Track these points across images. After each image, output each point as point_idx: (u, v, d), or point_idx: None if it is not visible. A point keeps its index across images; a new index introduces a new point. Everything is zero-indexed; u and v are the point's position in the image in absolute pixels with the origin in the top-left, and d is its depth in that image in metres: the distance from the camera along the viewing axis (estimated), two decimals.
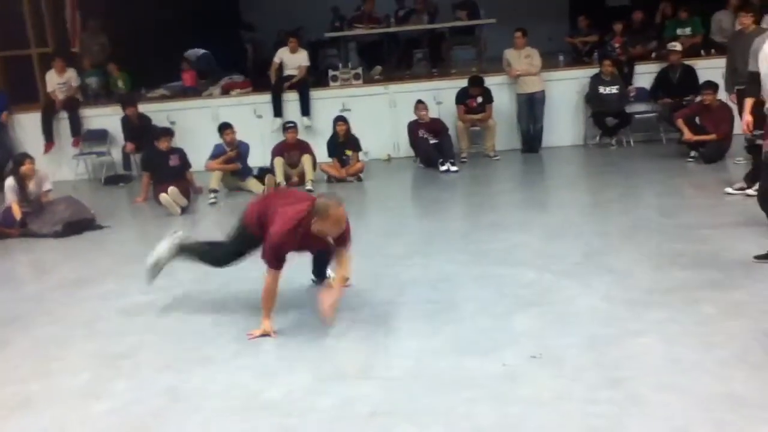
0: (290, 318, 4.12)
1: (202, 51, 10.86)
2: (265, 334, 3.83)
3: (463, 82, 8.89)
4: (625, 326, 3.66)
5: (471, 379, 3.24)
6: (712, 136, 7.49)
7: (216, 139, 8.02)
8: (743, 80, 7.43)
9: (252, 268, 5.14)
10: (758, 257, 4.43)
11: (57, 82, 9.63)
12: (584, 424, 2.80)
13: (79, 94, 9.85)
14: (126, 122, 9.13)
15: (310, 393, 3.24)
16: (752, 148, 6.78)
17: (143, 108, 9.29)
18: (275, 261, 3.78)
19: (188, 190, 7.56)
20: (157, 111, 9.44)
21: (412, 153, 8.90)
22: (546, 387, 3.12)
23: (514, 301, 4.11)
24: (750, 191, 5.99)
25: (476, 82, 8.77)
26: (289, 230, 3.73)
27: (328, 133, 8.47)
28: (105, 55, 10.27)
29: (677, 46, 8.65)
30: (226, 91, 9.92)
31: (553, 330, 3.69)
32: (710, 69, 8.37)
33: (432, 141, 8.52)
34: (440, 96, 9.17)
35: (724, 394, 2.94)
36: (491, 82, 8.95)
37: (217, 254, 4.35)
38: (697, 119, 7.69)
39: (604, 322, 3.75)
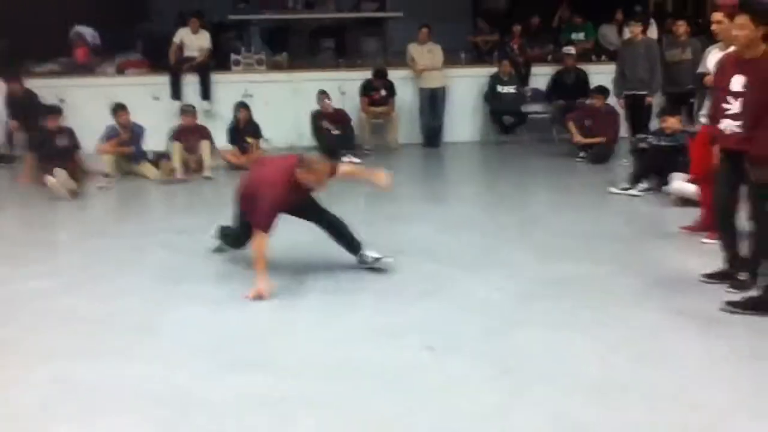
0: (189, 310, 4.03)
1: (91, 30, 10.32)
2: (259, 296, 4.01)
3: (368, 74, 8.94)
4: (514, 317, 3.81)
5: (367, 369, 3.28)
6: (600, 139, 7.90)
7: (109, 120, 7.67)
8: (631, 85, 7.91)
9: (147, 254, 5.01)
10: (707, 276, 4.21)
11: None
12: (472, 413, 2.89)
13: None
14: (10, 98, 8.57)
15: (206, 381, 3.17)
16: (636, 151, 7.23)
17: (30, 83, 8.75)
18: (267, 221, 4.04)
19: (77, 172, 7.20)
20: (45, 87, 8.91)
21: (315, 142, 8.85)
22: (437, 377, 3.20)
23: (411, 292, 4.18)
24: (633, 191, 6.37)
25: (380, 75, 8.84)
26: (283, 183, 4.11)
27: (228, 118, 8.29)
28: None
29: (572, 50, 9.05)
30: (121, 71, 9.51)
31: (446, 321, 3.79)
32: (601, 74, 8.81)
33: (335, 132, 8.51)
34: (345, 86, 9.18)
35: (607, 380, 3.11)
36: (395, 75, 9.04)
37: (232, 237, 4.62)
38: (586, 122, 8.09)
39: (495, 313, 3.88)
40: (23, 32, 9.96)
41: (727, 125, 3.87)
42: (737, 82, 3.81)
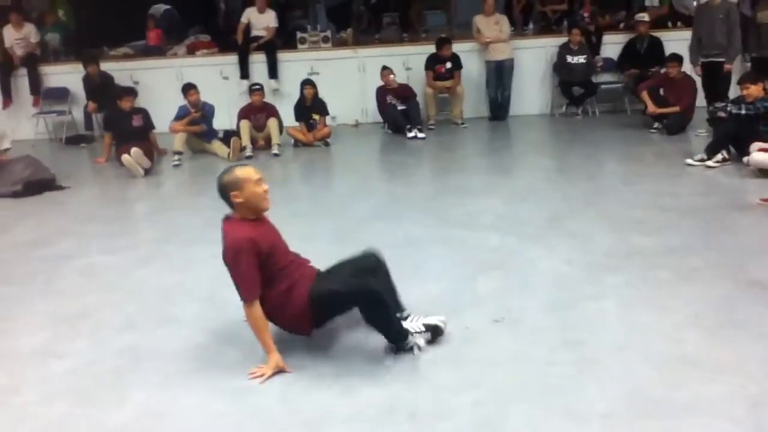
0: None
1: (165, 7, 10.64)
2: (279, 371, 3.05)
3: (433, 48, 8.84)
4: (584, 290, 3.73)
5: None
6: (675, 109, 7.59)
7: (180, 100, 7.87)
8: (707, 52, 7.56)
9: (217, 228, 5.12)
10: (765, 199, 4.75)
11: (15, 37, 9.33)
12: (542, 384, 2.86)
13: (38, 51, 9.56)
14: (87, 81, 8.91)
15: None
16: (714, 121, 6.92)
17: (105, 66, 9.07)
18: (248, 286, 3.07)
19: (151, 151, 7.44)
20: (120, 70, 9.23)
21: (380, 119, 8.85)
22: (505, 349, 3.17)
23: (478, 265, 4.15)
24: (710, 162, 6.10)
25: (444, 41, 8.72)
26: (234, 228, 3.10)
27: (295, 96, 8.37)
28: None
29: (645, 17, 8.70)
30: (191, 51, 9.72)
31: (514, 293, 3.74)
32: (676, 41, 8.44)
33: (400, 107, 8.48)
34: (409, 61, 9.11)
35: (677, 356, 3.02)
36: (460, 48, 8.91)
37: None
38: (661, 91, 7.78)
39: (564, 285, 3.81)
40: (99, 17, 10.33)
41: None
42: None
